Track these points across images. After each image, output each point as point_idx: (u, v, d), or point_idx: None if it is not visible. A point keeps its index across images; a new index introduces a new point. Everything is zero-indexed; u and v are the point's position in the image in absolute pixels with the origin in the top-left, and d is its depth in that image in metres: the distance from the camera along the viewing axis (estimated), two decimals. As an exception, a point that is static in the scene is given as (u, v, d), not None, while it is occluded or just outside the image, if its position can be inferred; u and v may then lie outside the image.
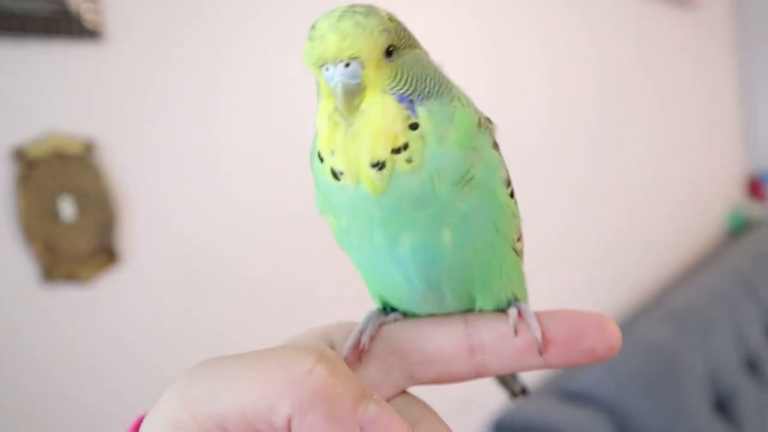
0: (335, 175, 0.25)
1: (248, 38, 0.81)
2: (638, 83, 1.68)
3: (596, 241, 1.46)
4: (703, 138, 2.09)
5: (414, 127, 0.24)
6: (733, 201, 2.26)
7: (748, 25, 2.39)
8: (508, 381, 0.35)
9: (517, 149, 1.21)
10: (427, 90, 0.25)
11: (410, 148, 0.24)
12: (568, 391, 1.08)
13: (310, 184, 0.28)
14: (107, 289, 0.68)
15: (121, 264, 0.69)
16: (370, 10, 0.24)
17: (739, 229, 2.14)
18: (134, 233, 0.70)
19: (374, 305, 0.30)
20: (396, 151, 0.24)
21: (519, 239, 0.29)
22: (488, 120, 0.27)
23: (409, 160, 0.24)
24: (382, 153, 0.24)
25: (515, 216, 0.28)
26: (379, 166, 0.24)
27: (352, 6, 0.24)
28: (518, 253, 0.29)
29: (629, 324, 1.32)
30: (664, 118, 1.81)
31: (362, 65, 0.24)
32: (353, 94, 0.24)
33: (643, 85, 1.70)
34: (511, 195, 0.27)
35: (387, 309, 0.30)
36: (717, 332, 1.28)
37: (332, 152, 0.24)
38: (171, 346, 0.72)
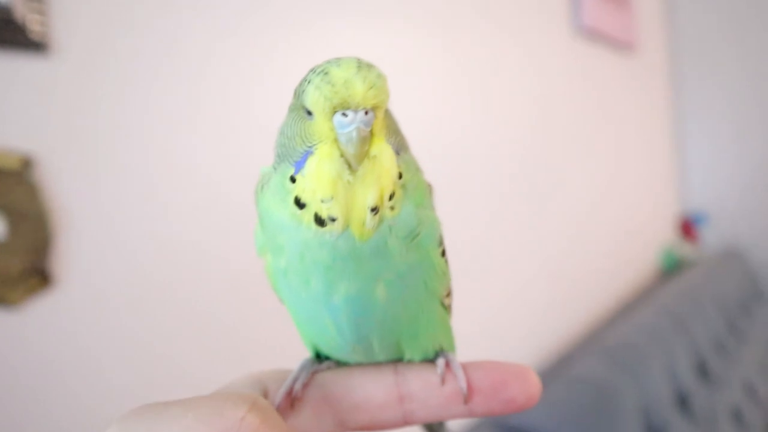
0: (320, 221, 0.24)
1: (199, 55, 0.80)
2: (575, 123, 1.73)
3: (533, 278, 1.49)
4: (638, 179, 2.17)
5: (400, 176, 0.26)
6: (667, 241, 2.36)
7: (683, 72, 2.53)
8: (435, 429, 0.36)
9: (452, 187, 1.22)
10: (399, 143, 0.27)
11: (395, 197, 0.25)
12: (506, 425, 1.09)
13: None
14: (37, 314, 0.64)
15: (54, 287, 0.65)
16: (376, 65, 0.26)
17: (671, 268, 2.22)
18: (70, 256, 0.67)
19: (308, 353, 0.31)
20: (390, 197, 0.25)
21: (448, 295, 0.31)
22: (429, 185, 0.29)
23: (392, 208, 0.25)
24: (384, 200, 0.25)
25: (445, 274, 0.29)
26: (375, 211, 0.25)
27: (358, 59, 0.25)
28: (446, 308, 0.31)
29: (565, 359, 1.34)
30: (600, 158, 1.87)
31: (375, 115, 0.25)
32: (366, 141, 0.24)
33: (580, 125, 1.76)
34: (443, 254, 0.29)
35: (321, 357, 0.31)
36: (649, 368, 1.32)
37: (330, 198, 0.24)
38: (104, 376, 0.69)
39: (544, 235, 1.54)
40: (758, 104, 2.39)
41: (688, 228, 2.48)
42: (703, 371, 1.58)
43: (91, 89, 0.69)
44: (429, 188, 0.29)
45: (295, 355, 0.32)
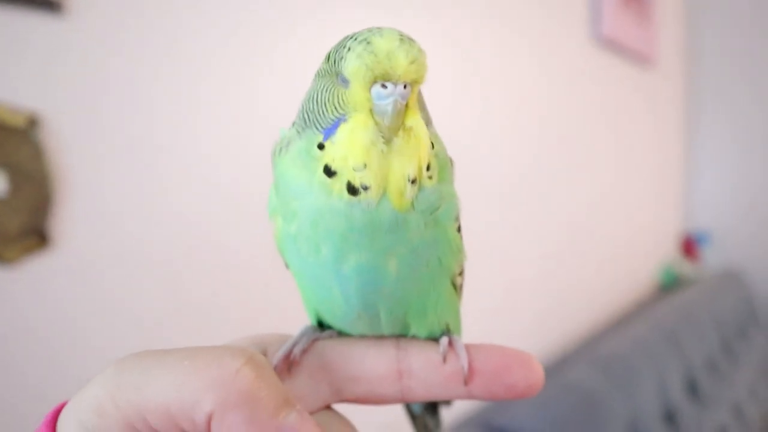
0: (353, 190, 0.24)
1: (214, 27, 0.80)
2: (585, 132, 1.73)
3: (530, 282, 1.49)
4: (645, 193, 2.17)
5: (432, 146, 0.26)
6: (668, 258, 2.35)
7: (698, 91, 2.52)
8: (430, 428, 0.36)
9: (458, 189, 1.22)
10: (427, 118, 0.27)
11: (432, 167, 0.25)
12: (494, 426, 1.09)
13: (269, 179, 0.28)
14: (32, 273, 0.64)
15: (51, 248, 0.65)
16: (416, 40, 0.25)
17: (670, 285, 2.22)
18: (70, 218, 0.67)
19: (309, 320, 0.30)
20: (427, 168, 0.25)
21: (460, 274, 0.30)
22: (451, 159, 0.29)
23: (430, 177, 0.25)
24: (421, 169, 0.25)
25: (460, 251, 0.29)
26: (414, 181, 0.24)
27: (399, 31, 0.25)
28: (456, 287, 0.30)
29: (559, 366, 1.34)
30: (608, 170, 1.87)
31: (411, 89, 0.24)
32: (401, 114, 0.24)
33: (589, 134, 1.75)
34: (458, 230, 0.28)
35: (323, 326, 0.30)
36: (640, 382, 1.32)
37: (363, 166, 0.24)
38: (92, 337, 0.69)
39: (545, 241, 1.53)
40: (763, 133, 2.38)
41: (689, 246, 2.47)
42: (693, 389, 1.57)
43: (103, 54, 0.69)
44: (450, 162, 0.28)
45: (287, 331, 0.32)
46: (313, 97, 0.26)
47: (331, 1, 0.94)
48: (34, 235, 0.64)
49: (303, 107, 0.27)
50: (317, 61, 0.27)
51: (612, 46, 1.80)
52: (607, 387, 1.21)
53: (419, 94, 0.26)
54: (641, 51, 1.97)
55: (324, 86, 0.26)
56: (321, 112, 0.25)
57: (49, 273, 0.65)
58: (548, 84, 1.53)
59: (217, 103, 0.80)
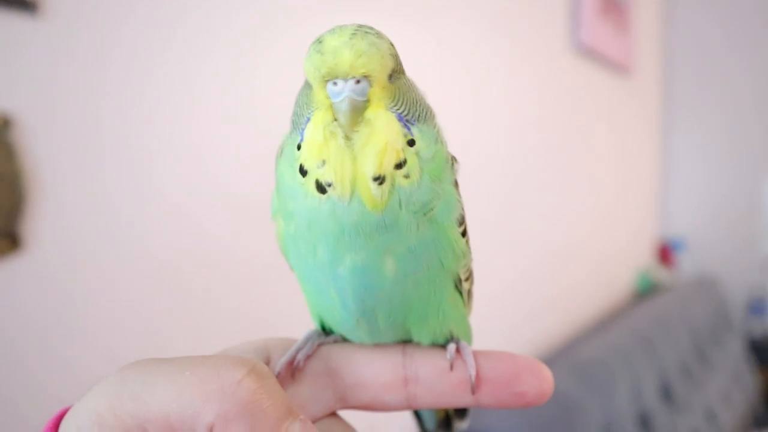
0: (321, 188, 0.24)
1: (192, 27, 0.79)
2: (563, 140, 1.74)
3: (513, 292, 1.49)
4: (622, 201, 2.19)
5: (411, 143, 0.25)
6: (644, 264, 2.38)
7: (673, 99, 2.56)
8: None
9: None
10: (417, 113, 0.26)
11: (408, 164, 0.24)
12: (471, 429, 1.09)
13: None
14: (2, 276, 0.63)
15: (23, 251, 0.64)
16: (381, 33, 0.25)
17: (646, 291, 2.24)
18: (42, 220, 0.66)
19: (314, 324, 0.30)
20: (398, 166, 0.24)
21: (467, 279, 0.30)
22: (454, 158, 0.28)
23: (406, 176, 0.24)
24: (387, 167, 0.24)
25: (464, 255, 0.28)
26: (380, 180, 0.24)
27: (362, 26, 0.24)
28: (462, 293, 0.30)
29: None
30: (585, 177, 1.88)
31: (370, 83, 0.24)
32: (359, 110, 0.24)
33: (568, 142, 1.77)
34: (464, 234, 0.28)
35: (327, 330, 0.30)
36: (616, 387, 1.33)
37: (322, 162, 0.24)
38: (63, 342, 0.68)
39: (523, 248, 1.54)
40: (739, 143, 2.43)
41: (665, 253, 2.51)
42: (667, 394, 1.59)
43: (79, 54, 0.68)
44: (450, 161, 0.27)
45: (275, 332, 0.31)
46: (296, 100, 0.27)
47: (327, 2, 0.95)
48: (6, 237, 0.63)
49: (293, 110, 0.27)
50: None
51: (590, 54, 1.82)
52: (583, 392, 1.22)
53: (408, 88, 0.26)
54: (618, 59, 2.00)
55: (303, 88, 0.26)
56: (301, 113, 0.26)
57: (21, 276, 0.64)
58: (527, 92, 1.54)
59: (199, 101, 0.80)
